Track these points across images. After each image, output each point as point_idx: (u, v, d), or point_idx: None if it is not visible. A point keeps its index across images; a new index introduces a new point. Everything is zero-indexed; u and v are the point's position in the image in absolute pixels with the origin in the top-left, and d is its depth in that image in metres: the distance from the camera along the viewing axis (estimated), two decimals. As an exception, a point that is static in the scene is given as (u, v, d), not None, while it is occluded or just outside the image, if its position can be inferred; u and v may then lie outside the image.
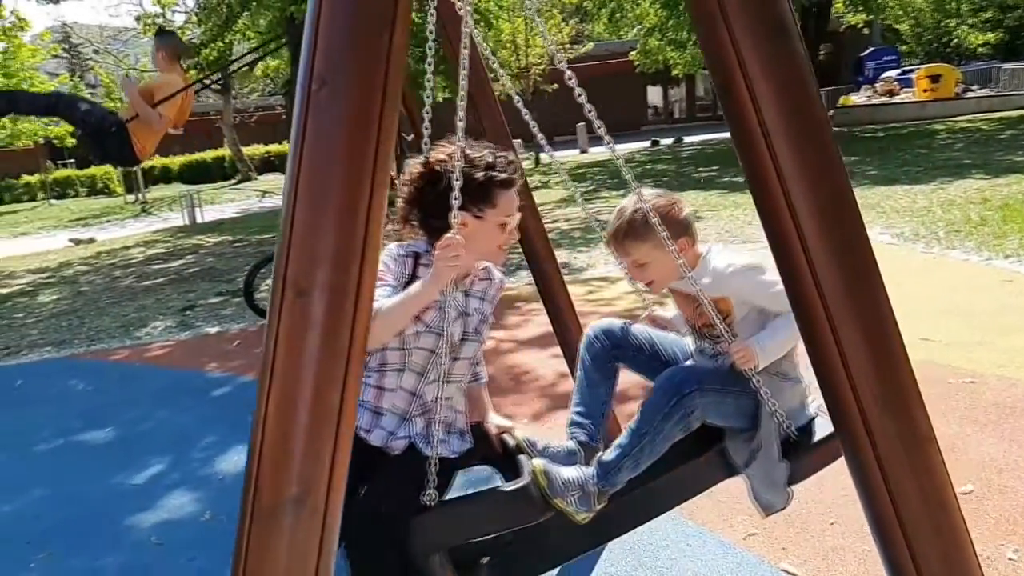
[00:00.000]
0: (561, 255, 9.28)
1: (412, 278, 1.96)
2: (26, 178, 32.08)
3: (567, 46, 25.62)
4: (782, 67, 1.04)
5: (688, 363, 2.16)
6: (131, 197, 26.91)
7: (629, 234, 1.96)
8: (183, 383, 5.72)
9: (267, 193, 23.81)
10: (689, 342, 2.20)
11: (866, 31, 31.53)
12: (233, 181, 30.36)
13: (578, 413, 2.15)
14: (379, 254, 1.09)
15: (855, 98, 26.97)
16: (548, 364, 5.15)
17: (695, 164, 18.70)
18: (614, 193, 14.55)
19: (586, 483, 1.89)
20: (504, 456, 2.10)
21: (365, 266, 1.02)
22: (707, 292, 1.87)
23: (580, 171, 20.57)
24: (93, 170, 32.05)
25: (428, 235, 2.01)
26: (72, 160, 34.24)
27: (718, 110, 37.14)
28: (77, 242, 16.42)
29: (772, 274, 1.92)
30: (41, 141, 27.56)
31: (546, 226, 11.05)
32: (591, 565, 2.98)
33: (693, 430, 1.96)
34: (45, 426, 5.02)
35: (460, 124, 1.49)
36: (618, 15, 25.59)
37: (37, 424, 5.08)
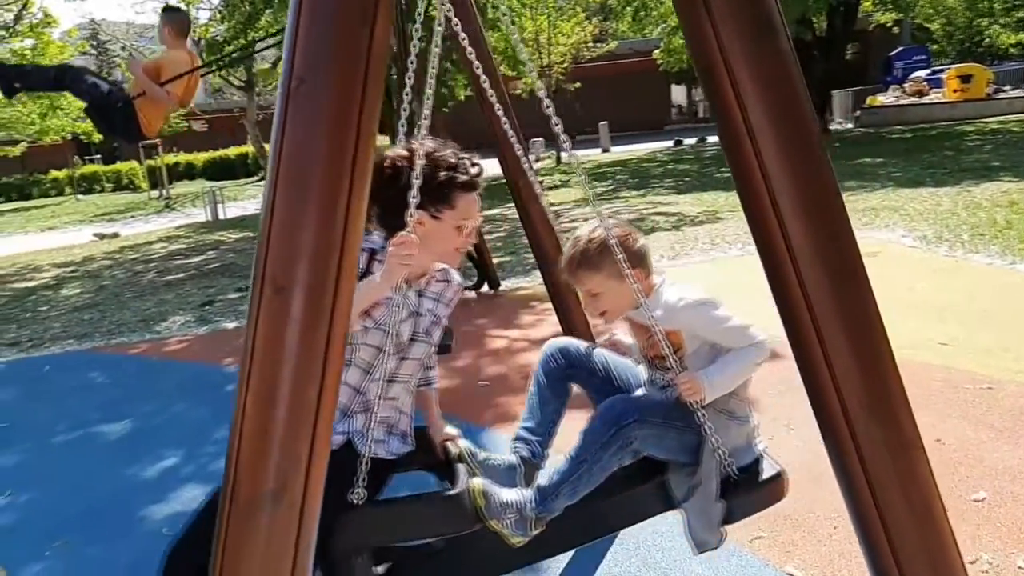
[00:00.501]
0: (578, 254, 9.26)
1: (365, 273, 1.95)
2: (54, 173, 32.64)
3: (590, 44, 25.53)
4: (767, 66, 1.03)
5: (638, 392, 2.14)
6: (155, 193, 27.22)
7: (583, 263, 1.95)
8: (200, 377, 5.78)
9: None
10: (642, 372, 2.19)
11: (896, 30, 31.09)
12: (256, 178, 30.60)
13: (525, 428, 2.14)
14: (359, 251, 1.10)
15: (883, 98, 26.58)
16: (560, 363, 5.13)
17: (717, 164, 18.55)
18: (634, 193, 14.50)
19: (524, 507, 1.88)
20: (445, 464, 2.08)
21: (344, 263, 1.03)
22: (659, 324, 1.86)
23: (601, 170, 20.51)
24: (119, 166, 32.55)
25: (385, 231, 2.01)
26: (99, 156, 34.74)
27: (742, 110, 36.52)
28: (101, 237, 16.67)
29: (724, 309, 1.91)
30: (69, 137, 27.98)
31: (564, 225, 11.16)
32: (595, 564, 2.98)
33: (636, 459, 1.95)
34: (64, 418, 5.10)
35: (425, 123, 1.49)
36: (642, 13, 25.45)
37: (57, 416, 5.17)
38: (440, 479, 2.11)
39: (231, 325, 7.34)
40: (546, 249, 3.24)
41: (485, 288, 7.52)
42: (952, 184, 11.06)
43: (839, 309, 1.10)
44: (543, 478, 1.97)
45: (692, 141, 26.71)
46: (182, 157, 33.13)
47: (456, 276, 2.20)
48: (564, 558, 3.05)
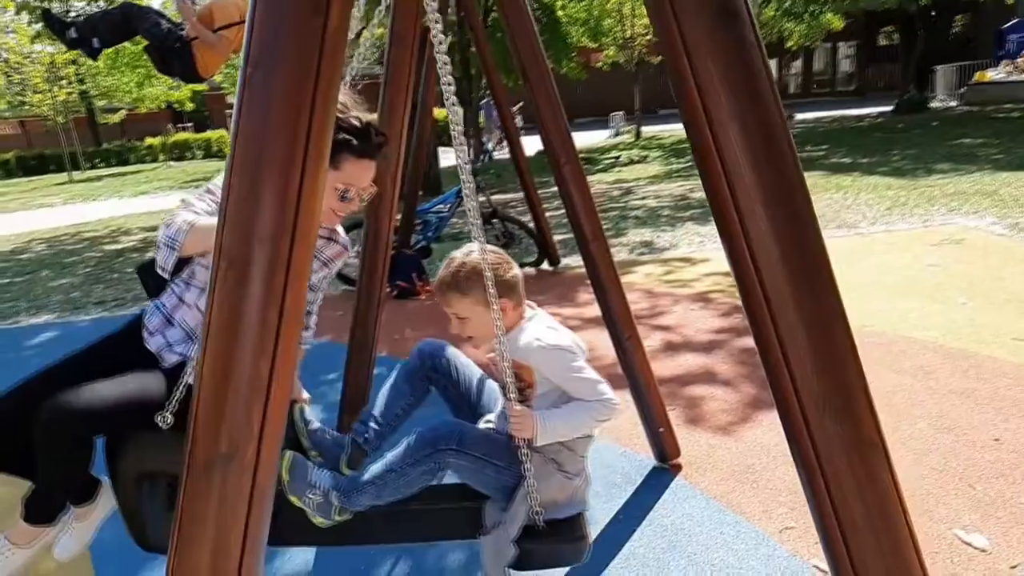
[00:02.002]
0: (644, 233, 9.16)
1: None
2: (149, 140, 34.14)
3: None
4: (728, 56, 1.00)
5: (487, 417, 2.12)
6: (242, 161, 28.07)
7: (451, 287, 1.95)
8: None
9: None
10: (499, 400, 2.17)
11: (1011, 1, 29.05)
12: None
13: (370, 414, 2.15)
14: (315, 232, 1.13)
15: (992, 74, 24.90)
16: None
17: (802, 142, 17.89)
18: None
19: (330, 492, 1.92)
20: None
21: (296, 242, 1.06)
22: (516, 357, 1.86)
23: (682, 146, 20.06)
24: (208, 134, 33.78)
25: None
26: (191, 124, 36.20)
27: (837, 85, 34.73)
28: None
29: (581, 361, 1.90)
30: (164, 106, 29.21)
31: (634, 202, 11.04)
32: (621, 544, 2.99)
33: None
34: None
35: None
36: (731, -16, 24.54)
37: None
38: None
39: (299, 292, 7.60)
40: (584, 229, 3.22)
41: (545, 265, 7.53)
42: (1059, 169, 10.36)
43: (797, 303, 1.06)
44: (361, 471, 1.99)
45: (779, 118, 25.76)
46: (269, 126, 34.01)
47: (343, 237, 2.20)
48: (590, 535, 3.07)
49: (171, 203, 17.87)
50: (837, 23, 24.10)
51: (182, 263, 2.05)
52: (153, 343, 2.08)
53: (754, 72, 1.01)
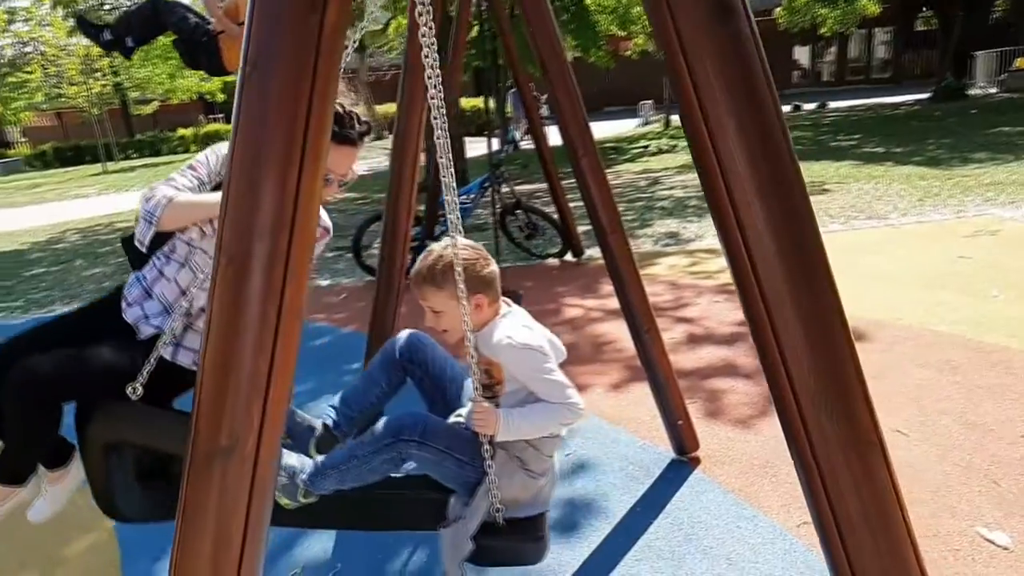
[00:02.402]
0: (670, 224, 9.10)
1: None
2: (182, 131, 34.56)
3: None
4: (723, 50, 0.98)
5: (459, 411, 2.10)
6: (271, 152, 28.33)
7: (428, 279, 1.94)
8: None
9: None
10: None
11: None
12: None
13: (343, 399, 2.14)
14: (313, 228, 1.15)
15: (1032, 60, 24.27)
16: (633, 335, 5.09)
17: (834, 132, 17.60)
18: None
19: (296, 475, 1.94)
20: None
21: (295, 239, 1.08)
22: (486, 353, 1.87)
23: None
24: (240, 125, 34.08)
25: None
26: (222, 115, 36.58)
27: (872, 72, 33.98)
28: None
29: (552, 364, 1.87)
30: (196, 97, 29.57)
31: (661, 192, 10.93)
32: (636, 536, 2.99)
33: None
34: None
35: None
36: (763, -30, 24.17)
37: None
38: None
39: (324, 282, 7.69)
40: (602, 222, 3.21)
41: (569, 256, 7.51)
42: (1099, 157, 10.07)
43: (794, 300, 1.05)
44: (324, 456, 2.01)
45: (812, 106, 25.35)
46: (296, 117, 34.26)
47: (324, 220, 2.19)
48: (607, 527, 3.08)
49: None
50: (872, 8, 23.58)
51: (163, 237, 2.07)
52: (131, 314, 2.09)
53: (750, 67, 1.00)
